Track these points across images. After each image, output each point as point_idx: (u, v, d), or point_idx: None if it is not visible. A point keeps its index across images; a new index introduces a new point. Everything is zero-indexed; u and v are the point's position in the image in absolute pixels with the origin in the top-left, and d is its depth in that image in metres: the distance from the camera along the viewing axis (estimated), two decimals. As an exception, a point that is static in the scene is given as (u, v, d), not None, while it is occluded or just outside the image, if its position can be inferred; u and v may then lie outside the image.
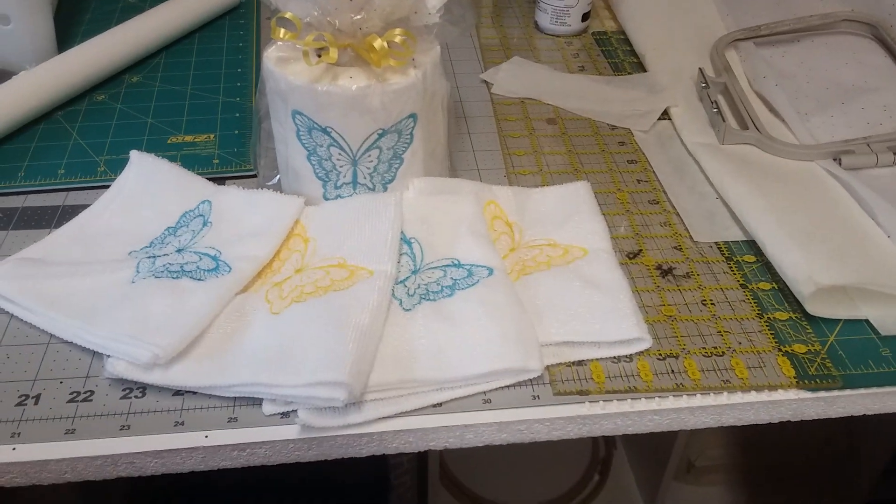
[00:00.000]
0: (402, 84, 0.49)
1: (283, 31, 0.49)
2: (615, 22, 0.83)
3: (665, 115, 0.67)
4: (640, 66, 0.75)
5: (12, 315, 0.47)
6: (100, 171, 0.59)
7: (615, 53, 0.78)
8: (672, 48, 0.74)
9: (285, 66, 0.50)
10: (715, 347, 0.46)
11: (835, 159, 0.60)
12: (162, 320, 0.44)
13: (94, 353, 0.45)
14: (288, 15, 0.49)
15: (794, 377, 0.45)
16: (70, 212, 0.55)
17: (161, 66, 0.72)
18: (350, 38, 0.49)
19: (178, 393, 0.43)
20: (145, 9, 0.78)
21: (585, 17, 0.80)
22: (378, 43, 0.47)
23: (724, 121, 0.62)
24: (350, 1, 0.48)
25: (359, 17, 0.48)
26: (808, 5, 0.80)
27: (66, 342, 0.46)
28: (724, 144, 0.62)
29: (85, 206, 0.55)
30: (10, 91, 0.62)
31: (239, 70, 0.72)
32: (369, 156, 0.51)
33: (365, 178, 0.52)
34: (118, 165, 0.59)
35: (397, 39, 0.48)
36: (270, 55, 0.51)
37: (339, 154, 0.51)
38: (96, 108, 0.66)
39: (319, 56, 0.49)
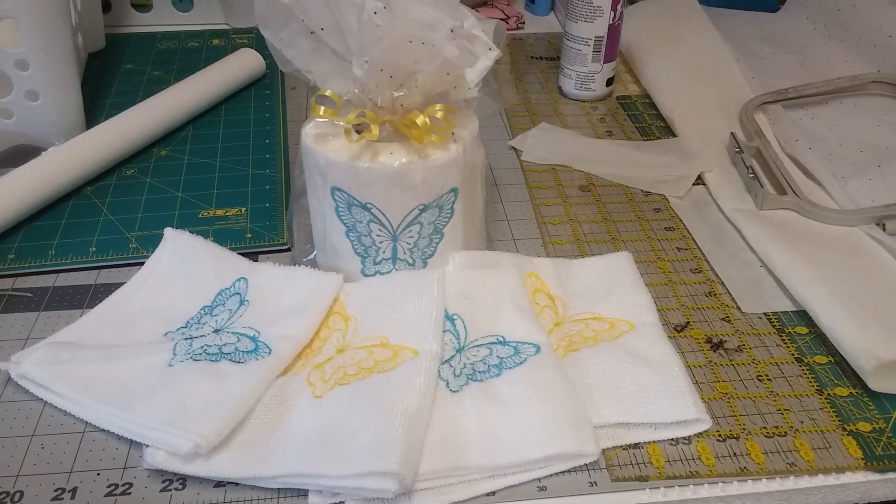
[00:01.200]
0: (443, 159, 0.48)
1: (322, 108, 0.49)
2: (639, 86, 0.83)
3: (699, 180, 0.66)
4: (668, 130, 0.75)
5: (46, 402, 0.46)
6: (132, 247, 0.58)
7: (641, 117, 0.77)
8: (700, 112, 0.74)
9: (324, 143, 0.49)
10: (777, 427, 0.44)
11: (878, 224, 0.59)
12: (202, 407, 0.43)
13: (132, 442, 0.44)
14: (328, 93, 0.48)
15: (862, 458, 0.43)
16: (102, 290, 0.54)
17: (189, 139, 0.72)
18: (390, 114, 0.49)
19: (219, 484, 0.42)
20: (171, 80, 0.78)
21: (609, 81, 0.80)
22: (421, 119, 0.47)
23: (762, 186, 0.62)
24: (391, 78, 0.47)
25: (400, 94, 0.47)
26: (831, 67, 0.81)
27: (103, 430, 0.44)
28: (763, 210, 0.61)
29: (118, 285, 0.53)
30: (39, 167, 0.62)
31: (267, 141, 0.72)
32: (410, 231, 0.50)
33: (405, 253, 0.51)
34: (150, 242, 0.58)
35: (438, 115, 0.48)
36: (309, 132, 0.50)
37: (380, 230, 0.50)
38: (126, 183, 0.66)
39: (359, 132, 0.48)
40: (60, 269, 0.56)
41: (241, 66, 0.80)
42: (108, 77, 0.83)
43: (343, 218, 0.50)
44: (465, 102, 0.50)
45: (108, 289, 0.54)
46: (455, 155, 0.49)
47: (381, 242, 0.50)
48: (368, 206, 0.49)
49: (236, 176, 0.67)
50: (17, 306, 0.53)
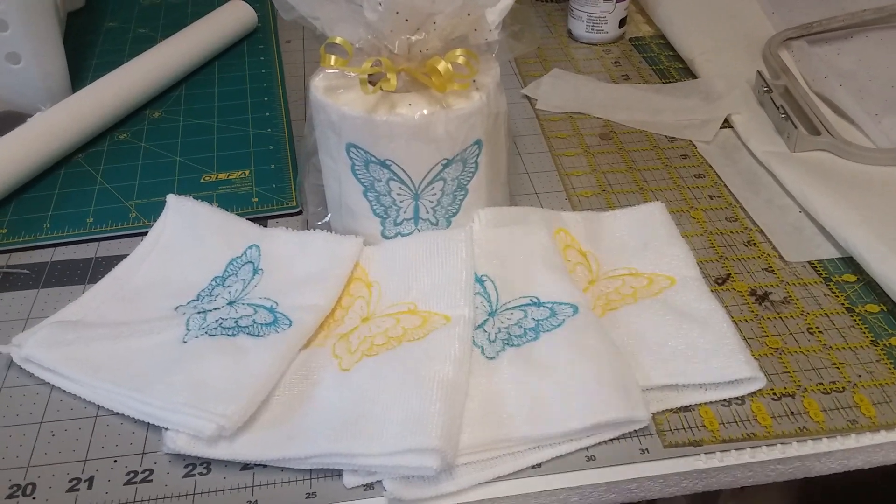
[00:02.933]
0: (467, 109, 0.45)
1: (333, 58, 0.45)
2: (651, 27, 0.79)
3: (726, 123, 0.63)
4: (688, 72, 0.71)
5: (53, 386, 0.43)
6: (132, 217, 0.54)
7: (658, 59, 0.74)
8: (721, 51, 0.70)
9: (336, 97, 0.45)
10: (833, 383, 0.42)
11: (918, 162, 0.56)
12: (222, 385, 0.40)
13: (150, 426, 0.41)
14: (338, 40, 0.45)
15: (925, 411, 0.40)
16: (104, 264, 0.51)
17: (183, 99, 0.68)
18: (407, 61, 0.45)
19: (246, 467, 0.39)
20: (157, 38, 0.74)
21: (622, 22, 0.76)
22: (443, 66, 0.43)
23: (795, 126, 0.58)
24: (406, 21, 0.43)
25: (419, 38, 0.43)
26: (854, -1, 0.77)
27: (117, 414, 0.41)
28: (797, 152, 0.58)
29: (120, 258, 0.50)
30: (26, 135, 0.58)
31: (266, 98, 0.68)
32: (432, 188, 0.47)
33: (427, 212, 0.48)
34: (151, 210, 0.54)
35: (460, 61, 0.44)
36: (318, 85, 0.46)
37: (400, 188, 0.46)
38: (119, 149, 0.62)
39: (373, 84, 0.45)
40: (57, 243, 0.53)
41: (231, 19, 0.75)
42: (90, 37, 0.78)
43: (360, 177, 0.46)
44: (487, 46, 0.47)
45: (109, 262, 0.50)
46: (479, 104, 0.45)
47: (402, 202, 0.47)
48: (388, 162, 0.45)
49: (237, 137, 0.63)
50: (13, 284, 0.49)
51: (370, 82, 0.45)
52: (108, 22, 0.81)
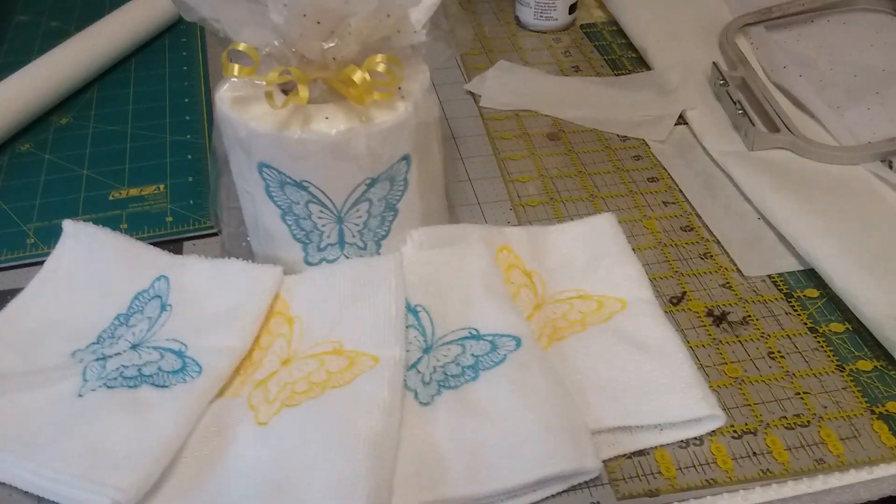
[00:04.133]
0: (391, 122, 0.40)
1: (237, 66, 0.40)
2: (604, 11, 0.75)
3: (681, 119, 0.59)
4: (642, 62, 0.67)
5: (-72, 452, 0.38)
6: (29, 243, 0.49)
7: (610, 48, 0.69)
8: (676, 39, 0.66)
9: (245, 109, 0.40)
10: (797, 416, 0.39)
11: (883, 161, 0.53)
12: (120, 451, 0.35)
13: (41, 499, 0.36)
14: (242, 47, 0.39)
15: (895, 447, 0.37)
16: (-4, 299, 0.45)
17: (94, 103, 0.62)
18: (321, 69, 0.40)
19: (148, 543, 0.34)
20: (70, 33, 0.67)
21: (572, 8, 0.71)
22: (359, 75, 0.38)
23: (752, 123, 0.55)
24: (318, 24, 0.38)
25: (331, 44, 0.38)
26: (813, -21, 0.73)
27: (4, 484, 0.36)
28: (755, 150, 0.55)
29: (15, 291, 0.45)
30: (-89, 151, 0.52)
31: (186, 100, 0.62)
32: (357, 210, 0.42)
33: (353, 236, 0.43)
34: (52, 234, 0.49)
35: (380, 68, 0.39)
36: (224, 96, 0.41)
37: (321, 211, 0.42)
38: (20, 162, 0.56)
39: (287, 94, 0.40)
40: (-57, 276, 0.47)
41: (151, 10, 0.69)
42: (-6, 33, 0.71)
43: (276, 199, 0.42)
44: (412, 49, 0.42)
45: (3, 297, 0.45)
46: (405, 115, 0.40)
47: (324, 226, 0.42)
48: (304, 184, 0.40)
49: (152, 145, 0.57)
50: None
51: (285, 92, 0.40)
52: (19, 15, 0.74)
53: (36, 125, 0.59)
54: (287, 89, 0.41)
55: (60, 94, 0.61)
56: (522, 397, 0.37)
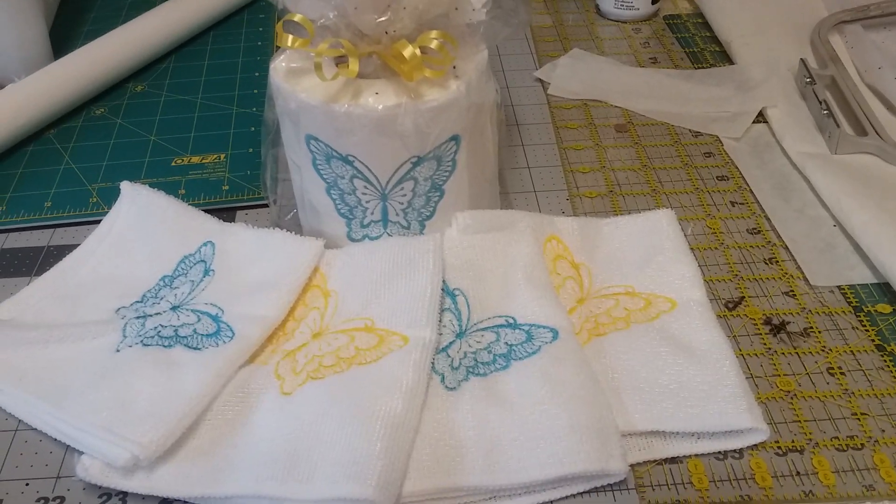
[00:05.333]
0: (440, 101, 0.39)
1: (290, 37, 0.39)
2: (691, 3, 0.72)
3: (760, 117, 0.56)
4: (725, 57, 0.63)
5: (-25, 393, 0.39)
6: (92, 202, 0.50)
7: (693, 41, 0.66)
8: (763, 34, 0.62)
9: (297, 81, 0.40)
10: (851, 437, 0.36)
11: (981, 172, 0.48)
12: (147, 406, 0.36)
13: (69, 446, 0.37)
14: (297, 17, 0.39)
15: (960, 480, 0.34)
16: (55, 254, 0.47)
17: (170, 72, 0.63)
18: (374, 43, 0.39)
19: (165, 501, 0.35)
20: (155, 4, 0.69)
21: (656, -2, 0.68)
22: (409, 51, 0.37)
23: (837, 125, 0.51)
24: (374, -3, 0.38)
25: (384, 18, 0.38)
26: (923, -24, 0.68)
27: (37, 430, 0.38)
28: (838, 154, 0.51)
29: (73, 247, 0.46)
30: (-7, 108, 0.54)
31: (256, 74, 0.63)
32: (402, 189, 0.41)
33: (397, 214, 0.42)
34: (113, 194, 0.50)
35: (433, 45, 0.38)
36: (279, 66, 0.41)
37: (365, 187, 0.41)
38: (94, 125, 0.58)
39: (339, 67, 0.39)
40: (11, 228, 0.49)
41: (231, -14, 0.70)
42: (87, 2, 0.74)
43: (322, 172, 0.41)
44: (470, 28, 0.41)
45: (62, 252, 0.47)
46: (455, 95, 0.39)
47: (367, 202, 0.42)
48: (350, 158, 0.40)
49: (218, 116, 0.58)
50: (-44, 273, 0.46)
51: (338, 65, 0.40)
52: (109, -14, 0.77)
53: (113, 91, 0.61)
54: (342, 63, 0.40)
55: (139, 63, 0.63)
56: (552, 391, 0.35)
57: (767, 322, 0.41)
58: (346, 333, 0.39)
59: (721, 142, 0.54)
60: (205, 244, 0.44)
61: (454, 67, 0.40)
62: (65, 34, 0.68)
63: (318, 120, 0.39)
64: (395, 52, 0.38)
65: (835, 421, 0.36)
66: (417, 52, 0.38)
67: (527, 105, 0.59)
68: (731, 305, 0.42)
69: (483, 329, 0.39)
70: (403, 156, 0.40)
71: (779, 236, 0.46)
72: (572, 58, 0.63)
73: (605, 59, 0.63)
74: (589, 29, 0.69)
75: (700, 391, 0.36)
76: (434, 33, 0.38)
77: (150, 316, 0.41)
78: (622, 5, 0.68)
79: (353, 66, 0.38)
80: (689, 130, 0.56)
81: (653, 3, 0.69)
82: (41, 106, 0.56)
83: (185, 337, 0.39)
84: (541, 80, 0.62)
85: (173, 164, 0.53)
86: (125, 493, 0.35)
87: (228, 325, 0.40)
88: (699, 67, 0.62)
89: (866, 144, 0.51)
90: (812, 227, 0.47)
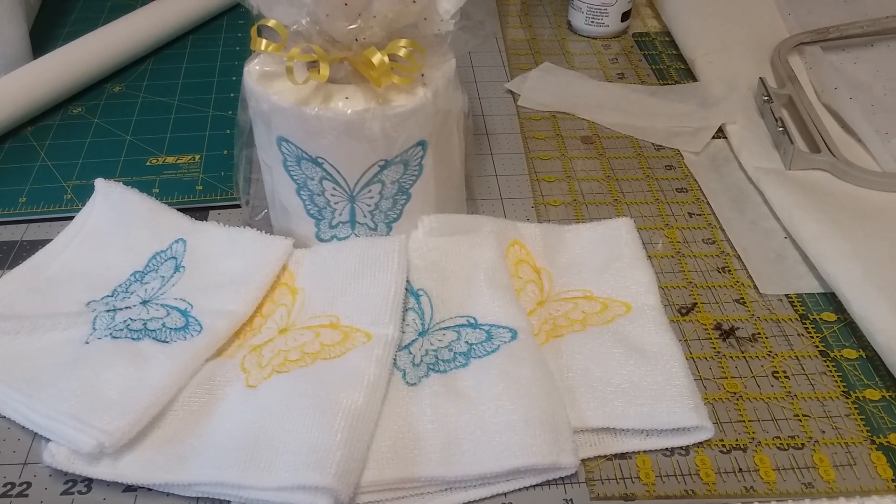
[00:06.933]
0: (407, 106, 0.40)
1: (264, 41, 0.41)
2: (659, 21, 0.74)
3: (720, 133, 0.58)
4: (689, 74, 0.66)
5: (-56, 382, 0.40)
6: (66, 198, 0.51)
7: (659, 58, 0.68)
8: (726, 53, 0.65)
9: (270, 84, 0.41)
10: (792, 437, 0.37)
11: (926, 190, 0.51)
12: (114, 396, 0.37)
13: (36, 434, 0.38)
14: (271, 23, 0.41)
15: (892, 479, 0.36)
16: (28, 248, 0.48)
17: (148, 74, 0.64)
18: (345, 50, 0.41)
19: (130, 488, 0.36)
20: (136, 8, 0.70)
21: (626, 16, 0.71)
22: (378, 58, 0.39)
23: (792, 142, 0.53)
24: (345, 5, 0.39)
25: (354, 26, 0.39)
26: (879, 3, 0.70)
27: (5, 418, 0.38)
28: (792, 170, 0.53)
29: (46, 242, 0.47)
30: (-29, 105, 0.55)
31: (233, 78, 0.64)
32: (369, 191, 0.42)
33: (365, 216, 0.44)
34: (87, 192, 0.51)
35: (401, 52, 0.40)
36: (252, 70, 0.43)
37: (334, 189, 0.42)
38: (70, 123, 0.59)
39: (310, 72, 0.41)
40: (-16, 223, 0.50)
41: (212, -9, 0.71)
42: (68, 3, 0.75)
43: (292, 173, 0.43)
44: (438, 38, 0.42)
45: (35, 247, 0.47)
46: (422, 101, 0.41)
47: (336, 203, 0.43)
48: (319, 160, 0.41)
49: (194, 117, 0.59)
50: (-72, 265, 0.47)
51: (310, 70, 0.41)
52: (90, -12, 0.78)
53: (90, 90, 0.62)
54: (314, 68, 0.42)
55: (118, 64, 0.64)
56: (508, 387, 0.37)
57: (718, 327, 0.43)
58: (311, 329, 0.40)
59: (682, 155, 0.56)
60: (176, 241, 0.45)
61: (422, 75, 0.42)
62: (45, 34, 0.68)
63: (290, 122, 0.41)
64: (364, 58, 0.40)
65: (777, 422, 0.38)
66: (386, 59, 0.39)
67: (497, 115, 0.61)
68: (684, 311, 0.44)
69: (445, 328, 0.41)
70: (371, 159, 0.41)
71: (732, 247, 0.48)
72: (543, 71, 0.65)
73: (574, 73, 0.65)
74: (560, 44, 0.71)
75: (650, 390, 0.38)
76: (403, 42, 0.40)
77: (120, 310, 0.42)
78: (593, 22, 0.70)
79: (325, 70, 0.39)
80: (652, 144, 0.58)
81: (623, 20, 0.71)
82: (19, 103, 0.57)
83: (153, 330, 0.40)
84: (511, 92, 0.63)
85: (148, 163, 0.54)
86: (90, 480, 0.36)
87: (197, 320, 0.41)
88: (664, 83, 0.65)
89: (819, 161, 0.53)
90: (764, 238, 0.49)
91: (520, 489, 0.35)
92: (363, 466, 0.35)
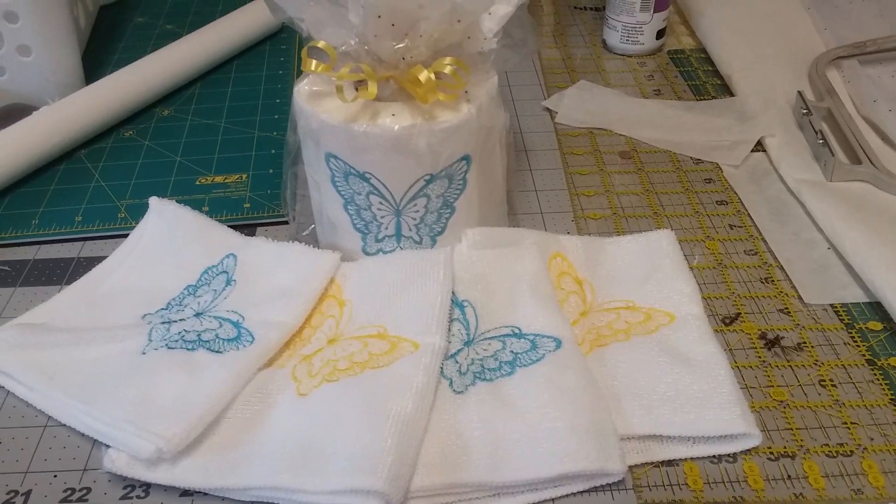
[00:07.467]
0: (452, 122, 0.41)
1: (314, 62, 0.42)
2: (694, 39, 0.75)
3: (759, 146, 0.58)
4: (726, 89, 0.66)
5: (8, 392, 0.41)
6: (120, 217, 0.53)
7: (695, 74, 0.69)
8: (762, 68, 0.65)
9: (318, 103, 0.43)
10: (841, 445, 0.37)
11: (970, 200, 0.50)
12: (171, 404, 0.38)
13: (96, 441, 0.39)
14: (321, 44, 0.42)
15: (946, 486, 0.35)
16: (85, 265, 0.49)
17: (195, 98, 0.67)
18: (392, 69, 0.42)
19: (186, 493, 0.37)
20: (183, 34, 0.73)
21: (660, 34, 0.71)
22: (424, 75, 0.40)
23: (832, 154, 0.53)
24: (392, 26, 0.41)
25: (401, 45, 0.41)
26: (918, 16, 0.70)
27: (65, 426, 0.40)
28: (833, 181, 0.53)
29: (101, 259, 0.49)
30: (29, 128, 0.57)
31: (277, 101, 0.66)
32: (415, 205, 0.44)
33: (410, 230, 0.45)
34: (140, 211, 0.53)
35: (447, 70, 0.41)
36: (302, 90, 0.44)
37: (381, 203, 0.43)
38: (122, 146, 0.61)
39: (358, 90, 0.42)
40: (43, 241, 0.52)
41: (255, 17, 0.74)
42: (117, 31, 0.78)
43: (340, 189, 0.44)
44: (482, 56, 0.43)
45: (91, 263, 0.49)
46: (467, 117, 0.42)
47: (382, 217, 0.44)
48: (367, 175, 0.42)
49: (241, 139, 0.61)
50: (-8, 281, 0.49)
51: (358, 89, 0.42)
52: (138, 17, 0.81)
53: (141, 114, 0.64)
54: (362, 86, 0.43)
55: (166, 89, 0.66)
56: (554, 395, 0.37)
57: (762, 337, 0.43)
58: (359, 339, 0.41)
59: (721, 169, 0.57)
60: (227, 256, 0.47)
61: (466, 92, 0.43)
62: (96, 61, 0.71)
63: (338, 139, 0.42)
64: (411, 76, 0.41)
65: (825, 429, 0.38)
66: (432, 76, 0.40)
67: (535, 132, 0.62)
68: (727, 321, 0.44)
69: (490, 338, 0.41)
70: (417, 173, 0.42)
71: (775, 257, 0.48)
72: (579, 89, 0.66)
73: (610, 91, 0.66)
74: (596, 62, 0.71)
75: (696, 398, 0.38)
76: (448, 60, 0.41)
77: (175, 322, 0.43)
78: (628, 40, 0.71)
79: (372, 89, 0.41)
80: (691, 158, 0.58)
81: (657, 38, 0.72)
82: (73, 127, 0.59)
83: (207, 341, 0.41)
84: (549, 110, 0.64)
85: (197, 182, 0.56)
86: (148, 485, 0.37)
87: (249, 331, 0.42)
88: (701, 99, 0.65)
89: (860, 172, 0.53)
90: (806, 249, 0.49)
91: (567, 495, 0.36)
92: (413, 472, 0.35)
